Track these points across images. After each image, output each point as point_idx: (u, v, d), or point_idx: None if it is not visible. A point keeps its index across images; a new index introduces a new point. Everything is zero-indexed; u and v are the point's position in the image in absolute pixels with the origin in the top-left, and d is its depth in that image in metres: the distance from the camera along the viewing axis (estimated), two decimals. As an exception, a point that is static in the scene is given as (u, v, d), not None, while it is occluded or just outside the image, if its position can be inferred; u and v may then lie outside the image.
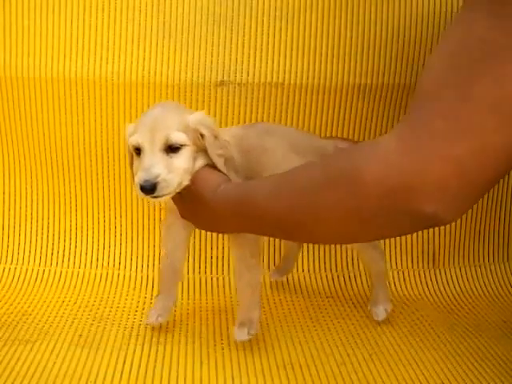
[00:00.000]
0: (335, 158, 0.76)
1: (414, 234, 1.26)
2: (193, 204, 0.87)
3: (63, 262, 1.24)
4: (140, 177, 0.81)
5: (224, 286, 1.20)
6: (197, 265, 1.23)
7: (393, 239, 1.26)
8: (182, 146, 0.84)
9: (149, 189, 0.80)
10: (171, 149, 0.83)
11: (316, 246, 1.26)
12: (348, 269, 1.26)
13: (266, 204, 0.75)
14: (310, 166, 0.76)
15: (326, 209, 0.68)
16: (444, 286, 1.21)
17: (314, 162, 0.80)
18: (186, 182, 0.85)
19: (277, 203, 0.74)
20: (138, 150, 0.85)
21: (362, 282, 1.23)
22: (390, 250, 1.26)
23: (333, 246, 1.25)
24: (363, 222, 0.67)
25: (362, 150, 0.67)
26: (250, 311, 0.94)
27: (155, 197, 0.82)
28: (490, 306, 1.14)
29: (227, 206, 0.81)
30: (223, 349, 0.96)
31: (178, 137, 0.83)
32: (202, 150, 0.86)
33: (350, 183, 0.64)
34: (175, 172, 0.83)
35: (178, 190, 0.84)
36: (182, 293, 1.15)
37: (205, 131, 0.85)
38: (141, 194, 0.81)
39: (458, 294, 1.19)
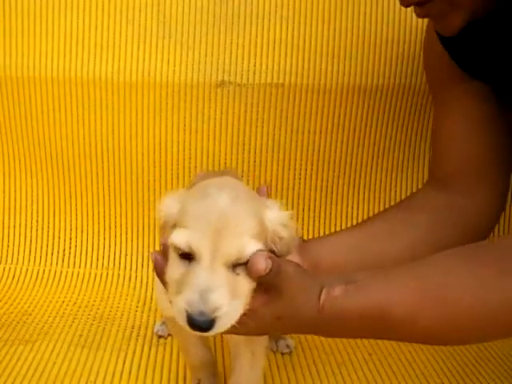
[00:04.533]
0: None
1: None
2: (279, 319, 0.62)
3: (63, 262, 1.24)
4: (191, 303, 0.54)
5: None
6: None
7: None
8: None
9: (204, 327, 0.54)
10: (239, 263, 0.57)
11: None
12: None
13: (410, 320, 0.61)
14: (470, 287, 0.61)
15: (497, 332, 0.63)
16: (444, 286, 1.21)
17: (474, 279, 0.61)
18: (247, 307, 0.58)
19: (429, 321, 0.61)
20: (185, 255, 0.57)
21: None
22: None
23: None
24: None
25: None
26: None
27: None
28: (490, 306, 1.14)
29: (346, 322, 0.62)
30: (223, 349, 0.95)
31: (254, 249, 0.57)
32: None
33: None
34: (241, 298, 0.57)
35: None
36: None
37: (285, 233, 0.61)
38: (185, 324, 0.55)
39: (458, 294, 1.19)
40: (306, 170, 1.23)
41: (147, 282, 1.20)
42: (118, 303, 1.11)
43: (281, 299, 0.60)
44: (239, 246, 0.56)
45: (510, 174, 0.90)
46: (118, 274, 1.22)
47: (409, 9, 1.15)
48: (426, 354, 0.96)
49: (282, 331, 0.66)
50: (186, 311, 0.54)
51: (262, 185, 0.96)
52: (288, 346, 0.96)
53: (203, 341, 0.80)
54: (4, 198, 1.25)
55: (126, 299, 1.13)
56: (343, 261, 0.76)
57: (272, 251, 0.61)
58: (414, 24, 1.17)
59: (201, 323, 0.54)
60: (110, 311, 1.08)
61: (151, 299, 1.13)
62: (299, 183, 1.24)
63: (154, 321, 1.05)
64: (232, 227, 0.56)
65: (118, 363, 0.90)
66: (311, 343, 0.99)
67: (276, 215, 0.61)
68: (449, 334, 0.63)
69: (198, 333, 0.55)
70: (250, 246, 0.57)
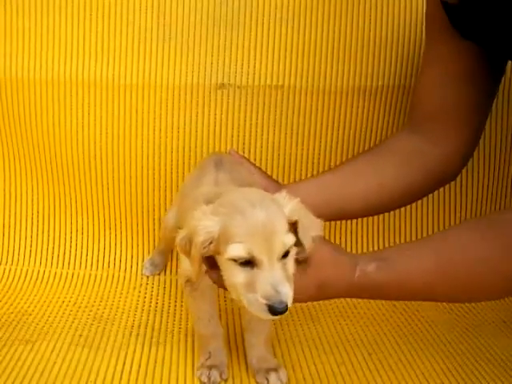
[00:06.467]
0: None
1: (414, 234, 1.27)
2: (317, 290, 0.77)
3: (63, 263, 1.24)
4: (270, 297, 0.69)
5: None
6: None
7: (392, 240, 1.26)
8: (290, 250, 0.73)
9: (283, 311, 0.69)
10: (284, 255, 0.72)
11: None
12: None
13: (428, 289, 0.78)
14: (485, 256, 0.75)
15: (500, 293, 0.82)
16: (444, 286, 1.21)
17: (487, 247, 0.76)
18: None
19: (444, 289, 0.78)
20: (245, 263, 0.71)
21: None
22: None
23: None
24: None
25: None
26: (272, 356, 0.91)
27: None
28: (490, 306, 1.14)
29: (377, 290, 0.77)
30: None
31: (291, 239, 0.73)
32: None
33: None
34: (291, 280, 0.72)
35: None
36: (183, 294, 1.15)
37: (301, 215, 0.75)
38: (266, 316, 0.70)
39: (458, 295, 1.19)
40: (307, 171, 1.23)
41: (147, 283, 1.20)
42: (118, 303, 1.11)
43: (319, 270, 0.75)
44: (283, 243, 0.71)
45: (481, 127, 0.99)
46: (118, 275, 1.22)
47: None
48: (425, 353, 0.96)
49: (322, 298, 0.80)
50: (267, 304, 0.69)
51: (230, 149, 1.10)
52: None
53: (215, 310, 0.92)
54: (5, 199, 1.25)
55: (126, 299, 1.13)
56: (313, 201, 0.82)
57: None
58: (414, 25, 1.17)
59: (282, 309, 0.69)
60: (110, 311, 1.08)
61: (151, 299, 1.13)
62: (299, 184, 1.24)
63: (154, 320, 1.05)
64: (274, 232, 0.71)
65: (118, 363, 0.90)
66: (311, 343, 0.99)
67: (293, 207, 0.75)
68: (460, 297, 0.84)
69: (274, 317, 0.71)
70: (289, 238, 0.72)
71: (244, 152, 1.20)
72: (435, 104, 0.96)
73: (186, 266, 0.83)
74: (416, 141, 0.97)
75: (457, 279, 0.75)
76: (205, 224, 0.73)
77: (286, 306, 0.69)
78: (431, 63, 0.97)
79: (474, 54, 0.91)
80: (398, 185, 0.96)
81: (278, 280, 0.70)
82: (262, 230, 0.71)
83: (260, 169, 1.07)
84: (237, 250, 0.71)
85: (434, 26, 0.96)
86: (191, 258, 0.75)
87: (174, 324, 1.04)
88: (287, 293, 0.70)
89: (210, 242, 0.73)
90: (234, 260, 0.71)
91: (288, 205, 0.75)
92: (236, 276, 0.72)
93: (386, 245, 1.26)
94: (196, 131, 1.19)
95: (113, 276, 1.21)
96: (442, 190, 1.24)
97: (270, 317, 0.70)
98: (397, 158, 0.97)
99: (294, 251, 0.74)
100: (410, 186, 0.96)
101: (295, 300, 0.72)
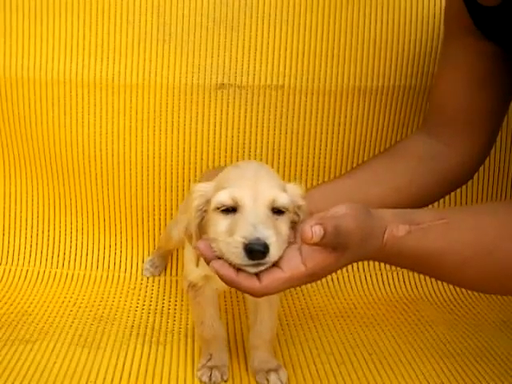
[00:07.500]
0: None
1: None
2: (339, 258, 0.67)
3: (63, 263, 1.24)
4: (247, 235, 0.63)
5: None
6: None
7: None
8: (285, 211, 0.69)
9: (260, 250, 0.62)
10: (275, 212, 0.68)
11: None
12: (347, 269, 1.25)
13: (459, 269, 0.70)
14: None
15: None
16: (444, 286, 1.21)
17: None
18: (281, 253, 0.66)
19: (475, 273, 0.70)
20: (227, 210, 0.68)
21: (361, 282, 1.23)
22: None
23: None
24: None
25: None
26: (273, 357, 0.89)
27: (259, 264, 0.64)
28: (490, 306, 1.14)
29: (404, 259, 0.70)
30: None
31: (286, 199, 0.68)
32: None
33: None
34: (282, 237, 0.66)
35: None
36: (183, 293, 1.16)
37: (302, 202, 0.73)
38: (243, 259, 0.63)
39: (458, 294, 1.19)
40: (307, 171, 1.23)
41: (147, 283, 1.20)
42: (118, 303, 1.11)
43: (348, 251, 0.65)
44: (274, 194, 0.67)
45: (496, 131, 0.98)
46: (119, 276, 1.22)
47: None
48: (426, 353, 0.96)
49: (344, 265, 0.69)
50: (243, 243, 0.63)
51: None
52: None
53: (218, 313, 0.90)
54: (5, 199, 1.25)
55: (126, 299, 1.13)
56: (329, 206, 0.80)
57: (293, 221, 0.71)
58: (414, 25, 1.17)
59: (258, 247, 0.62)
60: (110, 311, 1.08)
61: (151, 299, 1.13)
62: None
63: (154, 320, 1.05)
64: (265, 182, 0.68)
65: (118, 363, 0.90)
66: (311, 343, 0.99)
67: (294, 187, 0.73)
68: (490, 286, 0.72)
69: (253, 263, 0.63)
70: (282, 196, 0.68)
71: (244, 152, 1.20)
72: (454, 108, 0.95)
73: (189, 270, 0.84)
74: (431, 144, 0.96)
75: (491, 265, 0.69)
76: (199, 186, 0.71)
77: (265, 246, 0.62)
78: (451, 65, 0.96)
79: (494, 56, 0.90)
80: (413, 189, 0.94)
81: (260, 220, 0.64)
82: (252, 177, 0.68)
83: None
84: (220, 194, 0.67)
85: (455, 27, 0.94)
86: (192, 236, 0.71)
87: (174, 324, 1.04)
88: (268, 235, 0.63)
89: (204, 206, 0.70)
90: (218, 208, 0.68)
91: (294, 186, 0.73)
92: (218, 224, 0.67)
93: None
94: (196, 131, 1.19)
95: (113, 276, 1.21)
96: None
97: (246, 260, 0.63)
98: (412, 162, 0.95)
99: (289, 215, 0.70)
100: (426, 189, 0.95)
101: (318, 276, 0.65)
